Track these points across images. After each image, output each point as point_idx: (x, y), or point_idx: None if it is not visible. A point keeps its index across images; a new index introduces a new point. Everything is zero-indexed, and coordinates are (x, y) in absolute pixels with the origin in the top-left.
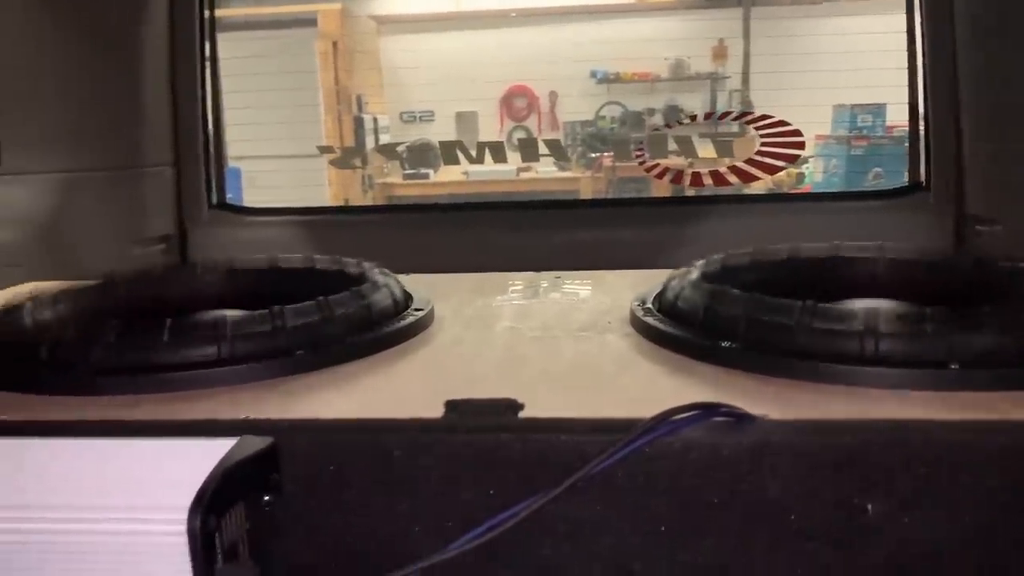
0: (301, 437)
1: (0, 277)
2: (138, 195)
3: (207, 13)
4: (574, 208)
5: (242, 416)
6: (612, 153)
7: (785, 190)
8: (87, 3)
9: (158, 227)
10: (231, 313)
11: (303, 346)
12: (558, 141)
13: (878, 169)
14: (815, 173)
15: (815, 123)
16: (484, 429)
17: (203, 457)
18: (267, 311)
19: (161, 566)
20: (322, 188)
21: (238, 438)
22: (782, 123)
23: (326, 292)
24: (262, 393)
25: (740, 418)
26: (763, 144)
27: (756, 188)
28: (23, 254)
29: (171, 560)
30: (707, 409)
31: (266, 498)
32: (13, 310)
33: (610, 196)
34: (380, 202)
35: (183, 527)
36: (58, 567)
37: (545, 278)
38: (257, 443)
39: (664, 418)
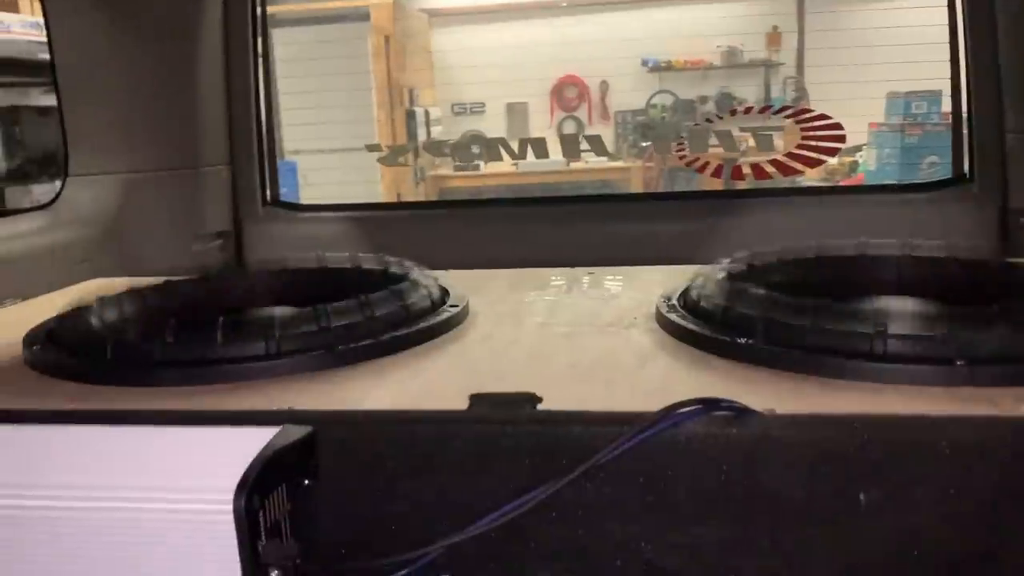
0: (337, 427)
1: (69, 273)
2: (196, 193)
3: (259, 10)
4: (620, 202)
5: (285, 407)
6: (654, 148)
7: (838, 179)
8: (146, 8)
9: (215, 224)
10: (280, 311)
11: (344, 341)
12: (599, 136)
13: (933, 157)
14: (868, 162)
15: (869, 111)
16: (504, 420)
17: (248, 444)
18: (311, 309)
19: (210, 542)
20: (376, 179)
21: (280, 427)
22: (823, 116)
23: (369, 290)
24: (305, 385)
25: (741, 412)
26: (804, 137)
27: (807, 178)
28: (90, 251)
29: (219, 537)
30: (709, 403)
31: (306, 482)
32: (82, 310)
33: (661, 185)
34: (432, 192)
35: (230, 507)
36: (116, 541)
37: (580, 274)
38: (297, 432)
39: (669, 412)
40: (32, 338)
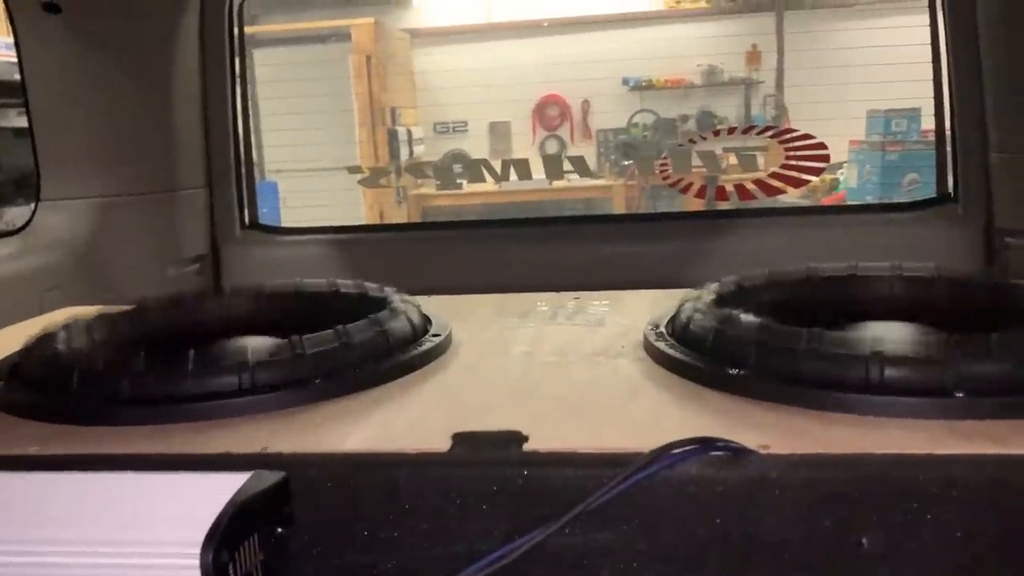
0: (313, 471)
1: (40, 301)
2: (172, 217)
3: (236, 30)
4: (604, 223)
5: (259, 448)
6: (636, 168)
7: (819, 196)
8: (120, 31)
9: (192, 248)
10: (254, 342)
11: (321, 375)
12: (582, 158)
13: (913, 175)
14: (849, 179)
15: (849, 129)
16: (488, 462)
17: (218, 491)
18: (287, 340)
19: None
20: (358, 199)
21: (252, 472)
22: (806, 136)
23: (349, 316)
24: (280, 422)
25: (737, 452)
26: (787, 157)
27: (789, 197)
28: (62, 278)
29: None
30: (705, 443)
31: (279, 530)
32: (47, 339)
33: (644, 203)
34: (415, 212)
35: (197, 560)
36: None
37: (565, 299)
38: (271, 477)
39: (663, 452)
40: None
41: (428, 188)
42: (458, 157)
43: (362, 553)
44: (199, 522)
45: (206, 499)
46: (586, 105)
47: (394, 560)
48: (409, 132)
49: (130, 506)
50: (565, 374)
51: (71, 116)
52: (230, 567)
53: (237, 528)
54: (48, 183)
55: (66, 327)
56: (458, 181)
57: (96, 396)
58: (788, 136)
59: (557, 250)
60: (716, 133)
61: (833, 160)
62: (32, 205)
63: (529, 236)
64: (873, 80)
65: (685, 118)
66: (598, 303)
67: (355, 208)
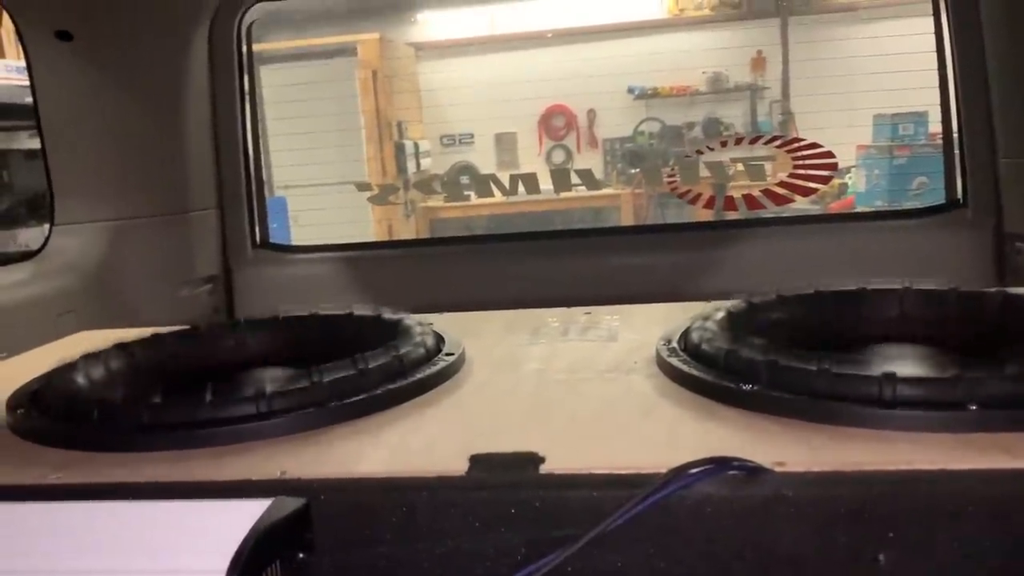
0: (332, 496)
1: (55, 325)
2: (184, 238)
3: (244, 49)
4: (613, 235)
5: (278, 472)
6: (642, 177)
7: (827, 201)
8: (130, 55)
9: (204, 269)
10: (271, 374)
11: (337, 398)
12: (590, 171)
13: (922, 178)
14: (857, 183)
15: (856, 133)
16: (506, 485)
17: (239, 518)
18: (304, 371)
19: None
20: (367, 213)
21: (272, 499)
22: (814, 144)
23: (363, 339)
24: (298, 446)
25: (753, 471)
26: (795, 166)
27: (797, 203)
28: (76, 301)
29: None
30: (720, 463)
31: (300, 556)
32: (66, 368)
33: (651, 211)
34: (423, 224)
35: None
36: None
37: (576, 314)
38: (291, 504)
39: (679, 473)
40: (15, 401)
41: (436, 200)
42: (465, 169)
43: None
44: (221, 550)
45: (227, 527)
46: (592, 114)
47: None
48: (416, 145)
49: (152, 535)
50: (578, 391)
51: (83, 140)
52: None
53: (259, 555)
54: (61, 207)
55: (85, 356)
56: (466, 194)
57: (116, 424)
58: (795, 145)
59: (566, 263)
60: (723, 143)
61: (841, 165)
62: (44, 226)
63: (538, 249)
64: (879, 85)
65: (691, 125)
66: (609, 318)
67: (365, 221)
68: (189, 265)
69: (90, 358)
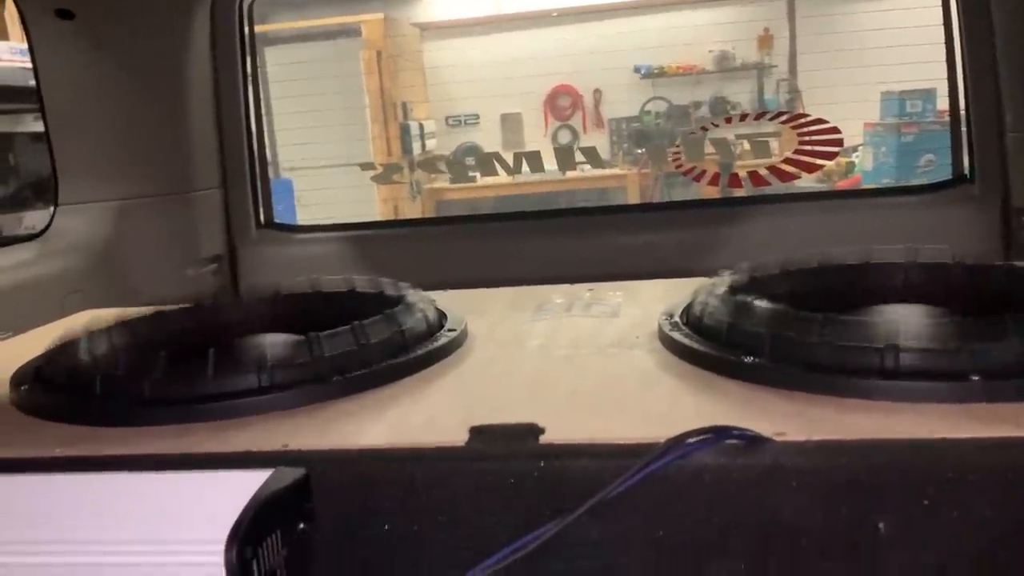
0: (332, 467)
1: (60, 304)
2: (189, 218)
3: (247, 30)
4: (617, 213)
5: (280, 445)
6: (648, 157)
7: (835, 180)
8: (132, 34)
9: (209, 248)
10: (272, 340)
11: (339, 372)
12: (594, 148)
13: (930, 156)
14: (864, 162)
15: (864, 111)
16: (505, 455)
17: (240, 489)
18: (304, 339)
19: None
20: (372, 194)
21: (273, 469)
22: (819, 120)
23: (365, 314)
24: (299, 419)
25: (753, 440)
26: (801, 142)
27: (804, 182)
28: (81, 281)
29: None
30: (720, 432)
31: (301, 526)
32: (70, 346)
33: (658, 191)
34: (429, 205)
35: (221, 558)
36: None
37: (579, 291)
38: (291, 474)
39: (678, 442)
40: (19, 378)
41: (442, 182)
42: (470, 150)
43: (382, 547)
44: (222, 520)
45: (229, 497)
46: (598, 94)
47: (413, 553)
48: (421, 126)
49: (153, 505)
50: (580, 366)
51: (86, 120)
52: (254, 563)
53: (260, 525)
54: (65, 188)
55: (87, 332)
56: (471, 175)
57: (118, 398)
58: (801, 121)
59: (571, 242)
60: (728, 120)
61: (848, 143)
62: (50, 209)
63: (543, 228)
64: (887, 60)
65: (698, 105)
66: (612, 294)
67: (370, 202)
68: (194, 245)
69: (93, 334)
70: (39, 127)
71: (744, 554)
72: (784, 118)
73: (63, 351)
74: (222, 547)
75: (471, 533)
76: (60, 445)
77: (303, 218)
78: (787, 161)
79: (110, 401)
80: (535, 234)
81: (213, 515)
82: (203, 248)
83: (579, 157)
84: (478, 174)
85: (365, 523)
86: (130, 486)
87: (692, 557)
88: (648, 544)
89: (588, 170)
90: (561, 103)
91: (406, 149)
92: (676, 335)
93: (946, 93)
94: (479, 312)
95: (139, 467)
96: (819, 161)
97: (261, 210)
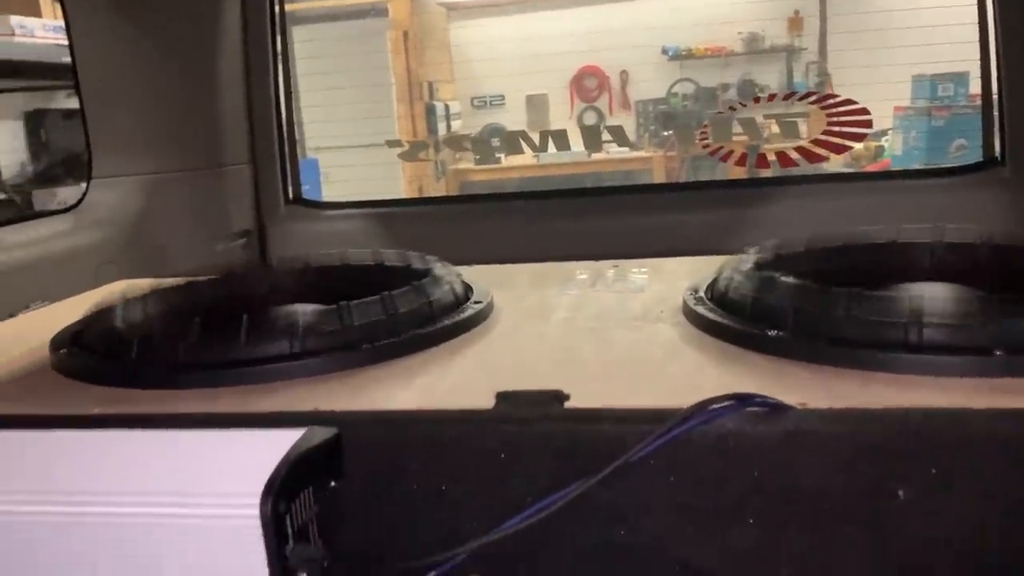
0: (363, 427)
1: (94, 276)
2: (219, 193)
3: (277, 8)
4: (643, 193)
5: (310, 407)
6: (675, 137)
7: (863, 164)
8: (166, 11)
9: (238, 223)
10: (303, 308)
11: (368, 340)
12: (621, 127)
13: (961, 140)
14: (894, 146)
15: (894, 94)
16: (531, 419)
17: (274, 446)
18: (335, 307)
19: (236, 547)
20: (397, 174)
21: (305, 428)
22: (849, 101)
23: (392, 286)
24: (330, 385)
25: (774, 407)
26: (829, 123)
27: (832, 165)
28: (114, 253)
29: (245, 543)
30: (742, 399)
31: (332, 484)
32: (107, 312)
33: (684, 174)
34: (453, 187)
35: (256, 511)
36: (137, 547)
37: (604, 267)
38: (323, 433)
39: (700, 408)
40: (58, 342)
41: (466, 163)
42: (495, 131)
43: (409, 505)
44: (256, 475)
45: (262, 454)
46: (624, 75)
47: (440, 511)
48: (447, 107)
49: (188, 461)
50: (605, 338)
51: (120, 96)
52: (287, 518)
53: (293, 481)
54: (99, 161)
55: (123, 299)
56: (496, 155)
57: (153, 361)
58: (830, 102)
59: (596, 221)
60: (757, 100)
61: (878, 127)
62: (82, 184)
63: (568, 207)
64: (918, 43)
65: (726, 87)
66: (637, 271)
67: (395, 183)
68: (224, 219)
69: (129, 302)
70: (71, 104)
71: (765, 520)
72: (813, 98)
73: (100, 317)
74: (256, 501)
75: (496, 494)
76: (98, 405)
77: (329, 198)
78: (815, 142)
79: (146, 364)
80: (560, 213)
81: (247, 471)
82: (232, 223)
83: (606, 136)
84: (503, 155)
85: (393, 482)
86: (166, 442)
87: (713, 522)
88: (670, 508)
89: (613, 152)
90: (587, 84)
91: (431, 130)
92: (700, 309)
93: (979, 76)
94: (505, 286)
95: (175, 425)
96: (848, 142)
97: (290, 186)
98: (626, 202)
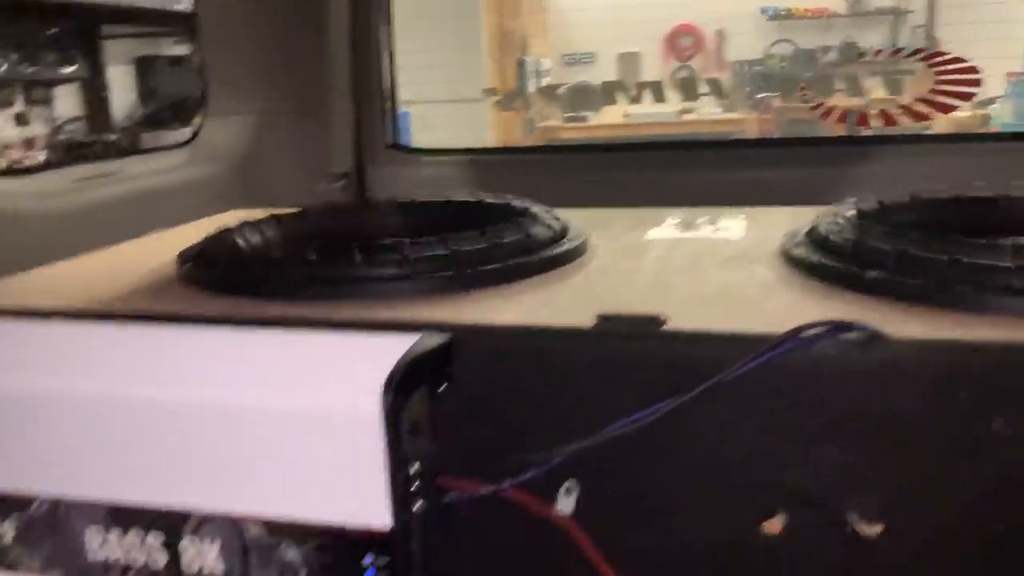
0: (473, 337)
1: (204, 209)
2: (322, 135)
3: None
4: (737, 148)
5: (423, 318)
6: (779, 94)
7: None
8: None
9: (339, 165)
10: (411, 245)
11: (471, 266)
12: (717, 80)
13: None
14: (1003, 114)
15: (1006, 59)
16: (631, 336)
17: (391, 347)
18: (442, 235)
19: (357, 439)
20: (485, 130)
21: (420, 334)
22: (957, 59)
23: (493, 222)
24: (435, 305)
25: (871, 336)
26: (936, 81)
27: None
28: (223, 187)
29: (366, 434)
30: (839, 326)
31: (444, 385)
32: (228, 231)
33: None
34: (541, 143)
35: (376, 406)
36: (260, 439)
37: (698, 214)
38: (436, 339)
39: (797, 332)
40: (184, 257)
41: (555, 120)
42: (584, 87)
43: (511, 414)
44: (375, 373)
45: (381, 354)
46: (721, 35)
47: (539, 420)
48: (538, 62)
49: (311, 358)
50: (700, 276)
51: (236, 36)
52: (404, 413)
53: (410, 379)
54: (213, 98)
55: (244, 223)
56: (584, 113)
57: (275, 275)
58: (937, 59)
59: (689, 175)
60: (861, 55)
61: (987, 94)
62: (186, 129)
63: (661, 161)
64: None
65: (826, 49)
66: (732, 217)
67: (483, 139)
68: (325, 161)
69: (248, 225)
70: (178, 51)
71: (855, 446)
72: (920, 56)
73: (223, 236)
74: (375, 397)
75: (593, 407)
76: (223, 311)
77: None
78: (921, 100)
79: (271, 277)
80: (651, 166)
81: (367, 369)
82: (333, 165)
83: (703, 88)
84: (591, 113)
85: (498, 391)
86: (291, 341)
87: (805, 445)
88: (763, 430)
89: (705, 112)
90: (682, 43)
91: (522, 86)
92: (799, 251)
93: None
94: (599, 228)
95: (300, 326)
96: (955, 101)
97: (389, 132)
98: (720, 157)
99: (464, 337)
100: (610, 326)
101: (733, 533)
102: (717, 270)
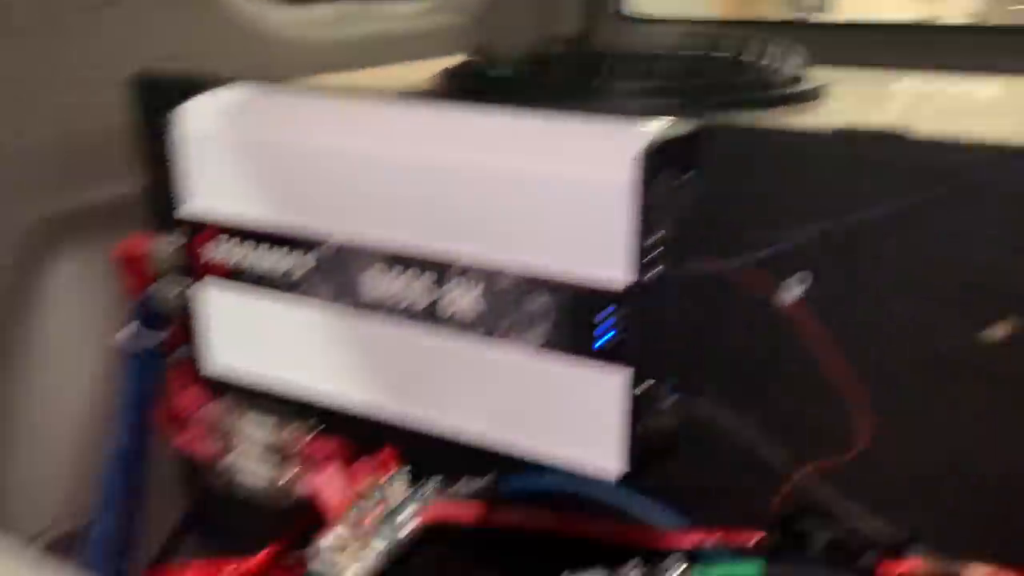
0: (720, 131)
1: (441, 56)
2: None
3: None
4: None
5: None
6: None
7: None
8: None
9: (567, 27)
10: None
11: (705, 95)
12: None
13: None
14: None
15: None
16: (873, 141)
17: (644, 127)
18: (682, 74)
19: (609, 203)
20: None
21: (672, 120)
22: None
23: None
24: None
25: None
26: None
27: None
28: (459, 37)
29: (618, 200)
30: None
31: (691, 172)
32: (479, 53)
33: None
34: None
35: (629, 175)
36: (529, 204)
37: (951, 75)
38: (686, 126)
39: None
40: (447, 72)
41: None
42: None
43: (752, 207)
44: (632, 146)
45: (636, 134)
46: None
47: (774, 219)
48: None
49: (573, 132)
50: (948, 121)
51: None
52: (652, 184)
53: (661, 155)
54: None
55: (488, 53)
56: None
57: (533, 84)
58: None
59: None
60: None
61: None
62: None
63: (915, 44)
64: None
65: None
66: (990, 81)
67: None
68: (555, 22)
69: (492, 52)
70: None
71: None
72: None
73: (476, 60)
74: (627, 168)
75: (829, 208)
76: None
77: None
78: None
79: (527, 85)
80: (903, 50)
81: (621, 145)
82: (562, 26)
83: None
84: None
85: (739, 185)
86: (552, 123)
87: None
88: (994, 237)
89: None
90: None
91: None
92: None
93: None
94: (841, 80)
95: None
96: None
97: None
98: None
99: (714, 130)
100: (857, 131)
101: (952, 340)
102: (967, 117)
